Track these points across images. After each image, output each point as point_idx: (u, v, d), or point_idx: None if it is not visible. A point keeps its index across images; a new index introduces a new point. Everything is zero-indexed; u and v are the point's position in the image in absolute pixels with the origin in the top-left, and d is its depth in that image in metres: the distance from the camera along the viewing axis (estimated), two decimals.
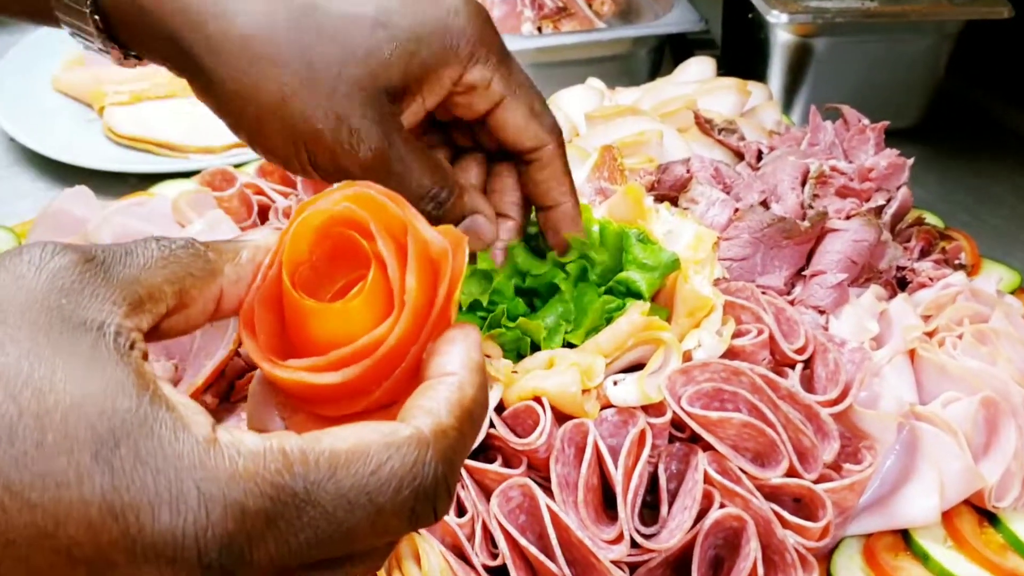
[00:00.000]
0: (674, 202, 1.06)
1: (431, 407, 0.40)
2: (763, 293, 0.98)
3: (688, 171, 1.09)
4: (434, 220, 0.65)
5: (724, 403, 0.87)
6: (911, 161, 1.10)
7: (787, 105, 1.47)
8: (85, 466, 0.32)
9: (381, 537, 0.38)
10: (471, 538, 0.78)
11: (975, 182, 1.45)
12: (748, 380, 0.85)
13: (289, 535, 0.35)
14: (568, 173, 0.84)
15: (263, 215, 1.10)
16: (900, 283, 1.04)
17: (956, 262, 1.07)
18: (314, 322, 0.44)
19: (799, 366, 0.91)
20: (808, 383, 0.92)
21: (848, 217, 1.03)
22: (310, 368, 0.43)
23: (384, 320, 0.43)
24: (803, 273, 1.00)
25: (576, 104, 1.25)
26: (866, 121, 1.15)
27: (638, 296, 0.92)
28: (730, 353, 0.91)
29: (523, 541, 0.76)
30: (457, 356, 0.42)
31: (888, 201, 1.06)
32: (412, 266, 0.44)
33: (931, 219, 1.18)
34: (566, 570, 0.75)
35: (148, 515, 0.33)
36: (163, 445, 0.33)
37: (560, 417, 0.84)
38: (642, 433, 0.83)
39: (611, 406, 0.86)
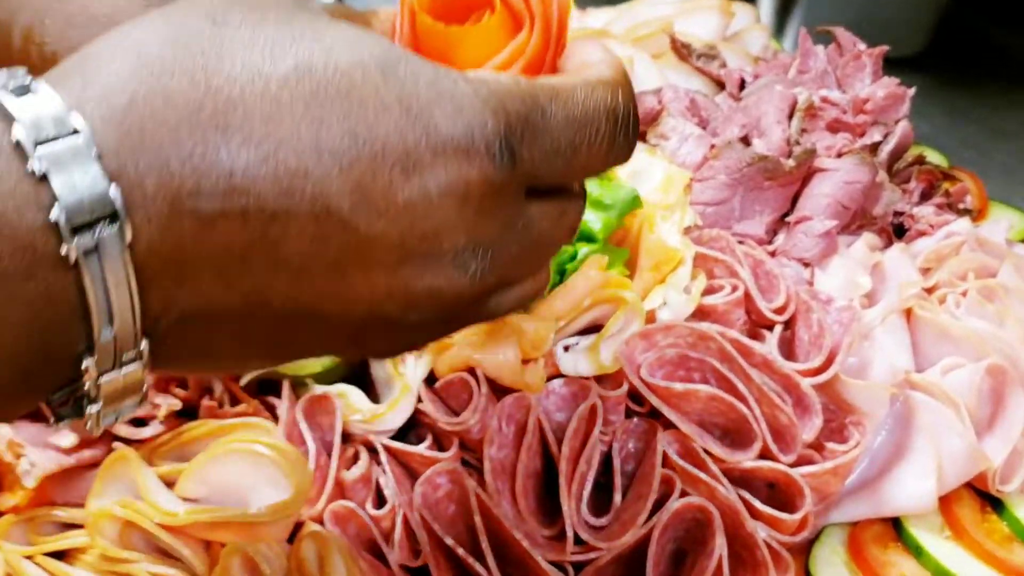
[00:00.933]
0: (643, 138, 0.94)
1: (599, 62, 0.45)
2: (740, 242, 0.86)
3: (660, 102, 0.96)
4: None
5: (690, 372, 0.75)
6: (912, 91, 0.98)
7: (779, 29, 1.34)
8: (377, 82, 0.37)
9: (594, 160, 0.42)
10: (389, 534, 0.67)
11: (982, 115, 1.32)
12: (717, 346, 0.74)
13: (540, 137, 0.40)
14: None
15: None
16: (897, 230, 0.92)
17: (961, 206, 0.95)
18: (455, 50, 0.47)
19: (778, 328, 0.80)
20: (789, 347, 0.81)
21: (840, 155, 0.90)
22: None
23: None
24: (787, 219, 0.88)
25: None
26: (862, 46, 1.02)
27: (591, 240, 0.80)
28: (700, 313, 0.79)
29: (448, 540, 0.65)
30: (591, 46, 0.47)
31: (885, 137, 0.94)
32: None
33: (933, 156, 1.06)
34: (495, 572, 0.64)
35: (441, 116, 0.37)
36: (432, 68, 0.39)
37: (500, 389, 0.73)
38: (592, 408, 0.72)
39: (561, 375, 0.74)
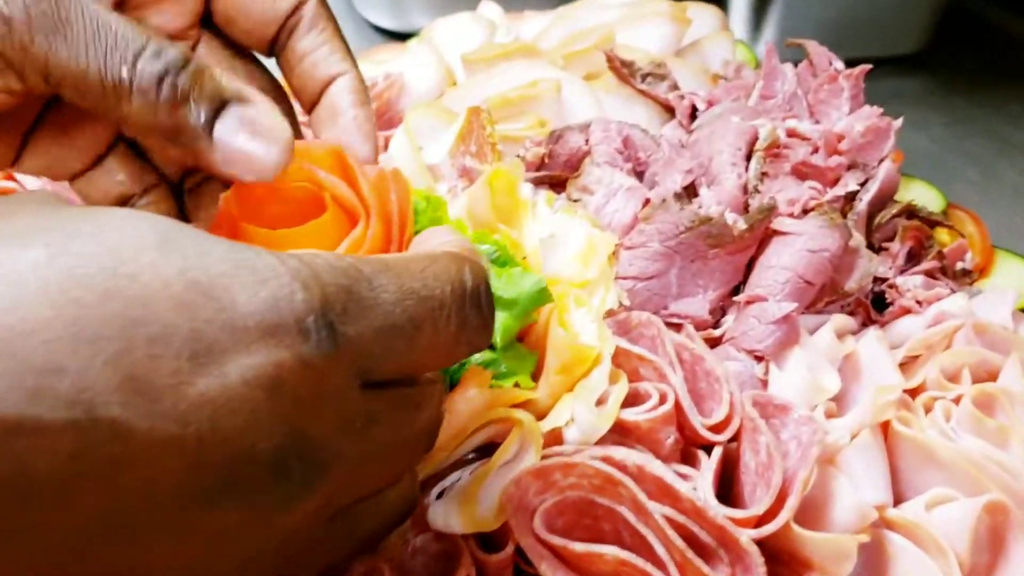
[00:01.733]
0: (563, 189, 0.76)
1: (444, 242, 0.45)
2: (677, 326, 0.69)
3: (587, 142, 0.78)
4: (169, 94, 0.48)
5: (598, 522, 0.58)
6: (899, 123, 0.80)
7: (756, 31, 1.15)
8: (152, 256, 0.31)
9: (442, 341, 0.39)
10: None
11: (990, 123, 1.14)
12: (629, 494, 0.56)
13: (368, 313, 0.36)
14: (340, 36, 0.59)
15: None
16: (877, 301, 0.74)
17: (958, 268, 0.76)
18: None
19: (717, 453, 0.62)
20: (732, 474, 0.63)
21: (806, 211, 0.72)
22: None
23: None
24: (738, 295, 0.70)
25: (454, 41, 0.94)
26: (839, 64, 0.84)
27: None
28: (619, 430, 0.62)
29: None
30: (441, 231, 0.48)
31: (864, 184, 0.76)
32: (362, 179, 0.51)
33: (926, 195, 0.88)
34: None
35: (239, 289, 0.32)
36: (227, 241, 0.34)
37: None
38: None
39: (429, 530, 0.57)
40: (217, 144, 0.50)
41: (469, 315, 0.41)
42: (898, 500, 0.63)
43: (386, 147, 0.81)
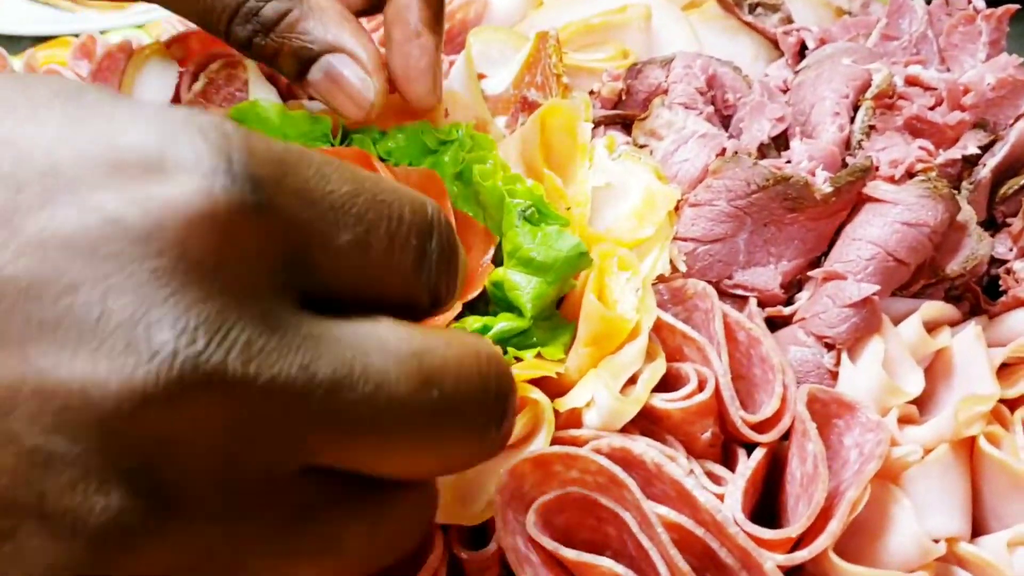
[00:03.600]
0: (629, 133, 0.67)
1: None
2: (740, 300, 0.59)
3: (667, 78, 0.68)
4: (259, 52, 0.59)
5: (602, 524, 0.50)
6: None
7: None
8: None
9: (397, 263, 0.33)
10: None
11: None
12: (633, 501, 0.48)
13: (307, 190, 0.31)
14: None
15: None
16: (989, 287, 0.63)
17: None
18: None
19: (759, 455, 0.53)
20: (777, 481, 0.54)
21: (911, 175, 0.61)
22: None
23: None
24: (816, 269, 0.60)
25: None
26: (979, 2, 0.71)
27: (519, 311, 0.56)
28: (650, 417, 0.54)
29: None
30: None
31: (990, 146, 0.64)
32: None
33: None
34: None
35: (126, 120, 0.29)
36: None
37: None
38: None
39: None
40: (311, 90, 0.59)
41: (429, 248, 0.34)
42: (977, 532, 0.52)
43: (447, 73, 0.73)
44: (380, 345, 0.30)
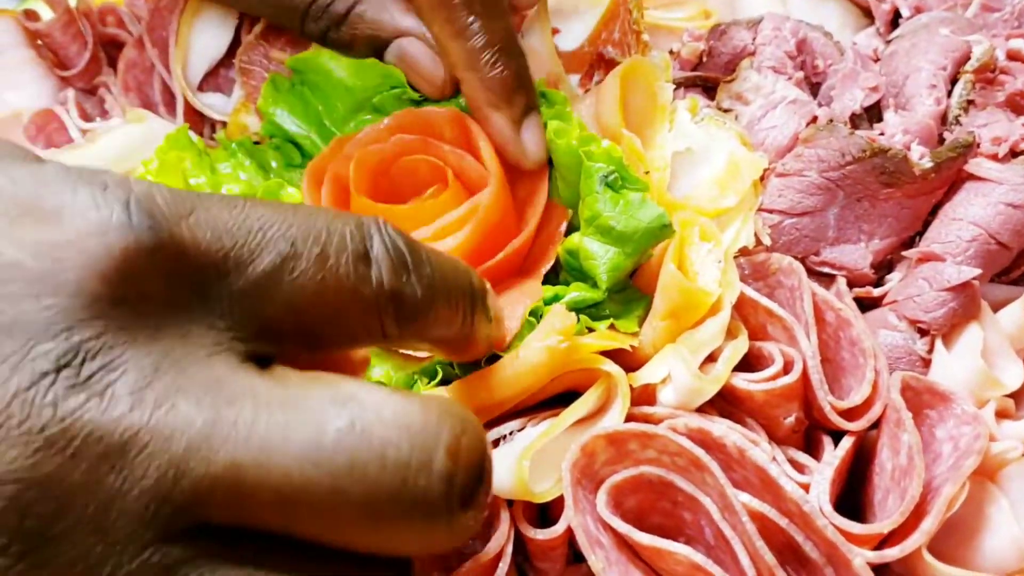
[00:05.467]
0: (713, 97, 0.63)
1: None
2: (827, 279, 0.56)
3: (754, 40, 0.65)
4: (334, 43, 0.62)
5: (678, 509, 0.47)
6: None
7: None
8: None
9: (340, 281, 0.31)
10: None
11: None
12: (716, 487, 0.45)
13: (217, 216, 0.30)
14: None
15: (111, 61, 0.72)
16: None
17: None
18: (405, 225, 0.40)
19: (847, 443, 0.50)
20: (864, 475, 0.51)
21: (1015, 154, 0.57)
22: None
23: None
24: (911, 249, 0.57)
25: None
26: None
27: (593, 281, 0.53)
28: (729, 398, 0.51)
29: None
30: None
31: None
32: (483, 145, 0.54)
33: None
34: None
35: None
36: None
37: None
38: (493, 559, 0.45)
39: None
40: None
41: (373, 253, 0.32)
42: None
43: (519, 27, 0.69)
44: (300, 411, 0.28)
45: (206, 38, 0.68)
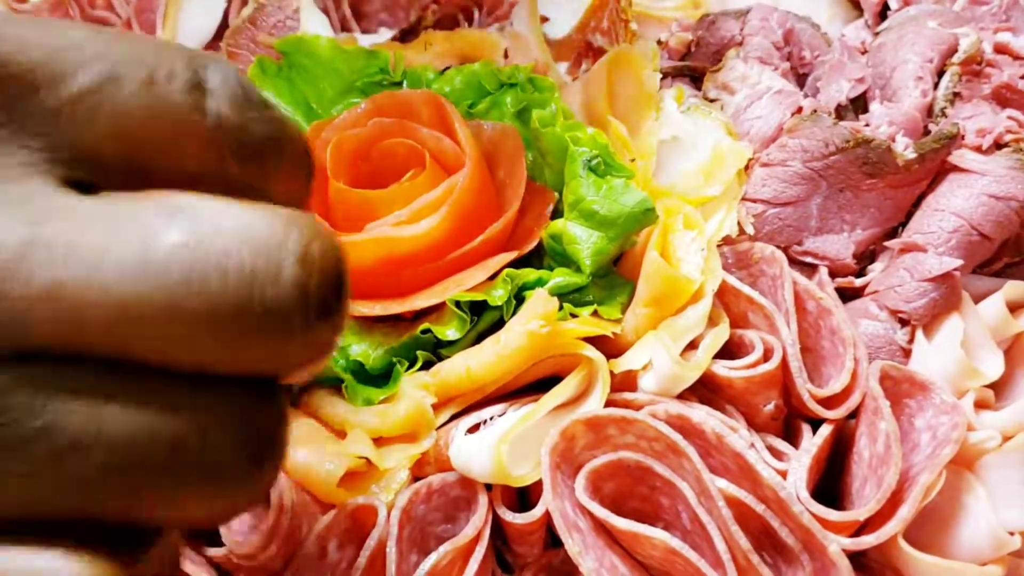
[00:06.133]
0: (699, 86, 0.63)
1: None
2: (809, 269, 0.56)
3: (741, 31, 0.65)
4: None
5: (655, 494, 0.47)
6: None
7: None
8: None
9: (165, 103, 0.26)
10: None
11: None
12: (693, 472, 0.45)
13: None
14: None
15: None
16: None
17: None
18: (378, 211, 0.51)
19: (825, 431, 0.50)
20: (842, 462, 0.51)
21: (998, 146, 0.57)
22: (395, 223, 0.51)
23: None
24: (890, 242, 0.57)
25: None
26: None
27: (576, 266, 0.53)
28: (709, 384, 0.51)
29: None
30: None
31: None
32: (459, 127, 0.54)
33: None
34: None
35: None
36: None
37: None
38: (471, 543, 0.45)
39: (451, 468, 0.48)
40: None
41: (209, 83, 0.27)
42: None
43: (508, 14, 0.69)
44: (127, 225, 0.25)
45: (194, 21, 0.69)
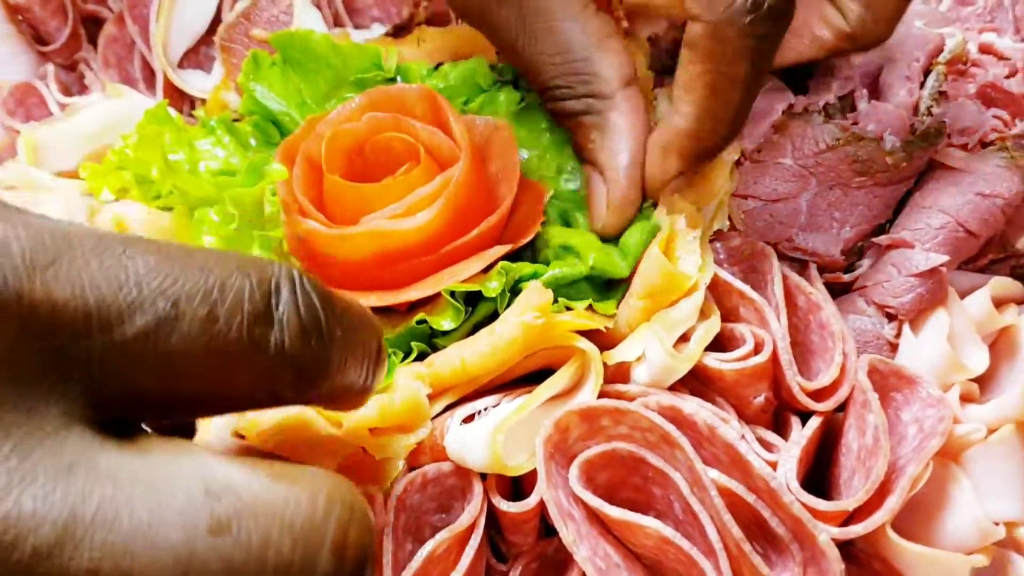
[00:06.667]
0: None
1: None
2: (801, 263, 0.57)
3: None
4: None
5: (648, 484, 0.48)
6: None
7: None
8: None
9: (224, 340, 0.26)
10: None
11: None
12: (686, 462, 0.46)
13: (81, 269, 0.25)
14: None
15: (91, 37, 0.72)
16: None
17: None
18: (376, 203, 0.51)
19: (814, 423, 0.51)
20: (830, 453, 0.52)
21: (983, 145, 0.58)
22: (391, 216, 0.51)
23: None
24: (878, 238, 0.58)
25: None
26: None
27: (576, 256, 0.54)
28: (701, 377, 0.52)
29: None
30: None
31: None
32: (454, 122, 0.54)
33: None
34: None
35: None
36: None
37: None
38: (467, 531, 0.46)
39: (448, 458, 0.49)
40: None
41: (278, 311, 0.27)
42: None
43: None
44: (167, 501, 0.24)
45: (187, 15, 0.69)
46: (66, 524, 0.23)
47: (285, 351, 0.27)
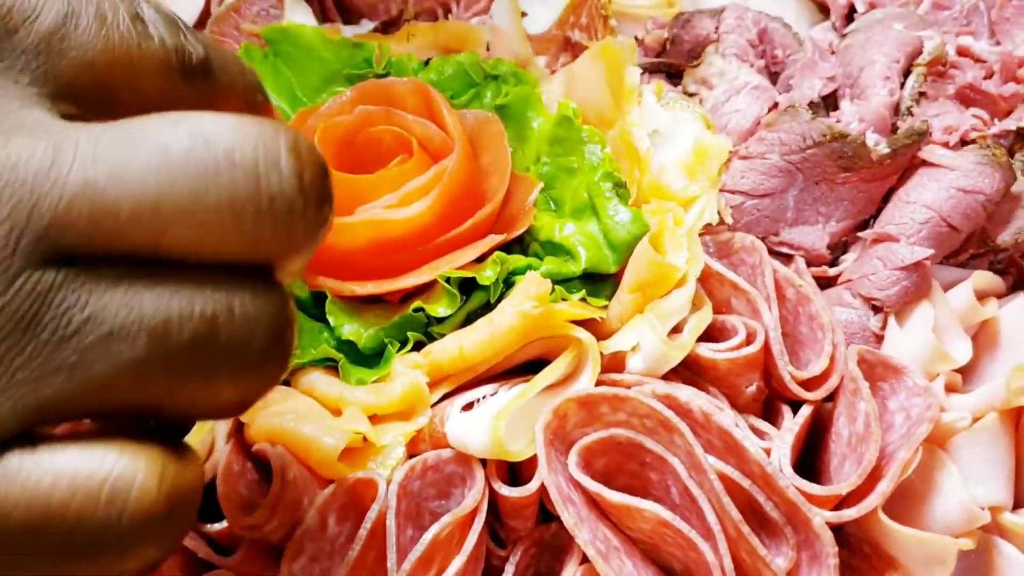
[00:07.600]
0: (678, 81, 0.65)
1: None
2: (786, 258, 0.58)
3: (717, 29, 0.67)
4: None
5: (645, 470, 0.49)
6: None
7: None
8: None
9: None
10: None
11: None
12: (684, 447, 0.47)
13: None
14: None
15: None
16: None
17: None
18: (370, 194, 0.52)
19: (806, 411, 0.52)
20: (820, 442, 0.53)
21: (964, 143, 0.60)
22: (386, 207, 0.52)
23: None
24: (863, 233, 0.59)
25: None
26: None
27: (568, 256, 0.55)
28: (693, 367, 0.52)
29: None
30: None
31: None
32: (447, 114, 0.55)
33: None
34: None
35: None
36: None
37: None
38: (470, 515, 0.46)
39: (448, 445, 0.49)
40: None
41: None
42: (1020, 504, 0.51)
43: (487, 8, 0.70)
44: (139, 134, 0.27)
45: (176, 8, 0.68)
46: (56, 150, 0.26)
47: (166, 41, 0.31)
